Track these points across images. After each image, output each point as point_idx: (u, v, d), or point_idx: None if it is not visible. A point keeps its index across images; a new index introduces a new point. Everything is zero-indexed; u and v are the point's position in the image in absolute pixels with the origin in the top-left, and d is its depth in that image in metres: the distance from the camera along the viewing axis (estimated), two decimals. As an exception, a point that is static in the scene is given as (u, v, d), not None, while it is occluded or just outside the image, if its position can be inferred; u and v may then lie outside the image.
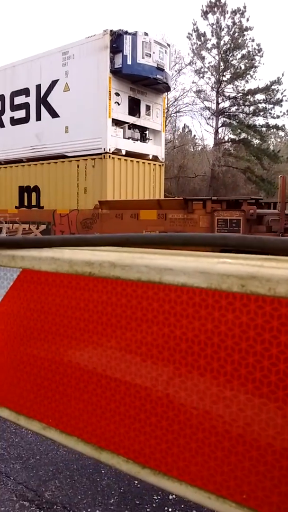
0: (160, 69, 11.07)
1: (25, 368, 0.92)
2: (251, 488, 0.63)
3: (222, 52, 32.07)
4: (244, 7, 31.57)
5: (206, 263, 0.67)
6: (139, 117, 11.51)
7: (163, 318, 0.71)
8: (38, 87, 11.99)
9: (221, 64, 32.27)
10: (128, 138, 11.32)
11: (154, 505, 2.46)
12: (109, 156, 10.67)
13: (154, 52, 10.83)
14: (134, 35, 10.55)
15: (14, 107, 12.72)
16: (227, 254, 0.71)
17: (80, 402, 0.81)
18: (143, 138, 11.99)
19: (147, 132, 12.07)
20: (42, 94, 11.93)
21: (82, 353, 0.82)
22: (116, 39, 10.50)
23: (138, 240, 0.80)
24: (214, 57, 32.56)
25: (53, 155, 11.78)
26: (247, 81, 31.70)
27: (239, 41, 31.40)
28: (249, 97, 31.69)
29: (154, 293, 0.72)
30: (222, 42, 32.16)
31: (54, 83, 11.54)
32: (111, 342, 0.77)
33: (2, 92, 12.98)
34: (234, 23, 31.78)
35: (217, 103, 32.96)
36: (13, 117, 12.75)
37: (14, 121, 12.75)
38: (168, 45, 11.72)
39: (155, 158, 12.25)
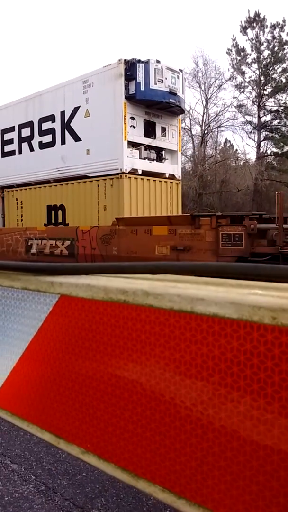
0: (172, 93, 11.90)
1: (64, 392, 0.95)
2: (287, 524, 0.62)
3: (262, 66, 31.94)
4: (284, 21, 31.44)
5: (236, 293, 0.67)
6: (154, 138, 12.41)
7: (195, 348, 0.71)
8: (63, 113, 12.89)
9: (262, 78, 32.12)
10: (144, 159, 12.15)
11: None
12: (125, 175, 11.53)
13: (166, 78, 11.71)
14: (147, 63, 11.45)
15: (42, 132, 13.70)
16: (258, 284, 0.71)
17: (117, 428, 0.83)
18: (160, 158, 12.77)
19: (163, 152, 12.86)
20: (66, 119, 12.83)
21: (117, 380, 0.83)
22: (130, 67, 11.43)
23: (169, 268, 0.81)
24: (254, 71, 32.49)
25: (76, 175, 12.69)
26: (288, 94, 31.36)
27: (279, 55, 31.19)
28: (291, 109, 31.29)
29: (186, 322, 0.72)
30: (262, 57, 32.06)
31: (76, 109, 12.55)
32: (146, 370, 0.78)
33: (31, 118, 13.97)
34: (273, 37, 31.67)
35: (259, 117, 32.74)
36: (41, 141, 13.72)
37: (42, 145, 13.74)
38: (181, 70, 12.46)
39: (172, 177, 12.93)
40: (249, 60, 32.41)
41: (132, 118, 11.73)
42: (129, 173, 11.62)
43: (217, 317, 0.69)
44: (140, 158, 12.01)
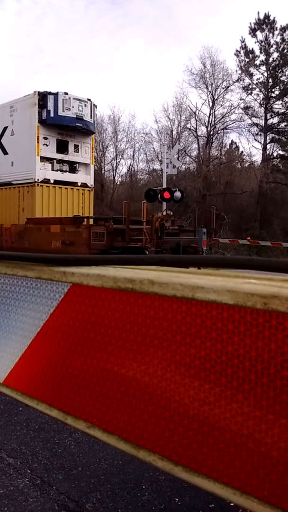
0: (79, 118, 15.15)
1: (73, 372, 1.03)
2: (272, 486, 0.70)
3: (270, 68, 31.95)
4: (294, 23, 31.38)
5: (233, 282, 0.76)
6: (67, 154, 15.69)
7: (195, 330, 0.80)
8: (-4, 131, 16.30)
9: (270, 80, 32.12)
10: (57, 170, 15.42)
11: (193, 523, 2.47)
12: (38, 184, 14.84)
13: (73, 106, 14.94)
14: (56, 94, 14.55)
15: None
16: (252, 275, 0.80)
17: (121, 404, 0.91)
18: (73, 170, 16.07)
19: (76, 165, 16.17)
20: (-1, 137, 16.15)
21: (123, 360, 0.92)
22: (43, 98, 14.49)
23: (172, 260, 0.89)
24: (262, 73, 32.49)
25: (3, 182, 15.96)
26: (296, 97, 31.36)
27: (288, 57, 31.18)
28: (298, 112, 31.30)
29: (187, 308, 0.81)
30: (271, 59, 32.06)
31: (5, 128, 15.84)
32: (149, 350, 0.87)
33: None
34: (283, 40, 31.64)
35: (266, 119, 32.74)
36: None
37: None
38: (89, 99, 15.60)
39: (85, 185, 16.27)
40: (257, 62, 32.42)
41: (45, 138, 15.00)
42: (42, 182, 14.90)
43: (215, 303, 0.77)
44: (53, 170, 15.29)
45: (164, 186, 17.92)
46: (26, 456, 3.22)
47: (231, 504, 2.73)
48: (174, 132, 34.95)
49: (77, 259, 1.08)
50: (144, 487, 2.84)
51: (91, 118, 15.79)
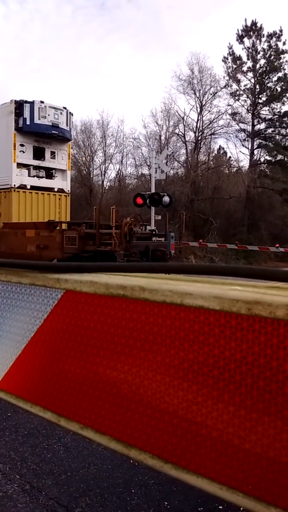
0: (55, 126, 15.51)
1: (66, 375, 1.07)
2: (256, 480, 0.75)
3: (258, 75, 32.31)
4: (281, 30, 31.82)
5: (219, 289, 0.81)
6: (44, 160, 16.07)
7: (183, 334, 0.84)
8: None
9: (257, 86, 32.48)
10: (34, 176, 15.79)
11: (182, 529, 2.49)
12: (14, 190, 15.18)
13: (49, 115, 15.30)
14: (32, 103, 15.02)
15: None
16: (238, 282, 0.85)
17: (113, 405, 0.95)
18: (50, 176, 16.40)
19: (53, 171, 16.52)
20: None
21: (115, 363, 0.96)
22: (19, 106, 14.93)
23: (161, 268, 0.94)
24: (250, 80, 32.84)
25: None
26: (283, 103, 31.76)
27: (275, 64, 31.58)
28: (285, 119, 31.67)
29: (176, 313, 0.85)
30: (258, 65, 32.42)
31: None
32: (140, 354, 0.91)
33: None
34: (270, 47, 32.04)
35: (253, 125, 33.07)
36: None
37: None
38: (65, 108, 16.01)
39: (61, 191, 16.61)
40: (244, 68, 32.77)
41: (22, 145, 15.47)
42: (19, 188, 15.28)
43: (202, 309, 0.82)
44: (30, 176, 15.69)
45: (153, 191, 18.03)
46: (15, 461, 3.22)
47: (220, 507, 2.76)
48: (162, 137, 35.10)
49: (70, 266, 1.12)
50: (133, 491, 2.85)
51: (67, 125, 16.37)
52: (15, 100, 15.18)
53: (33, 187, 15.79)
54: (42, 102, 15.41)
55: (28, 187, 15.68)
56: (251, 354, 0.75)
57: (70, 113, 16.52)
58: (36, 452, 3.35)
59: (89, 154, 35.97)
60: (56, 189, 16.58)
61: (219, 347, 0.79)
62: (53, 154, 16.48)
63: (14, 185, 15.24)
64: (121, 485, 2.92)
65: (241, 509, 2.56)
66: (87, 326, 1.03)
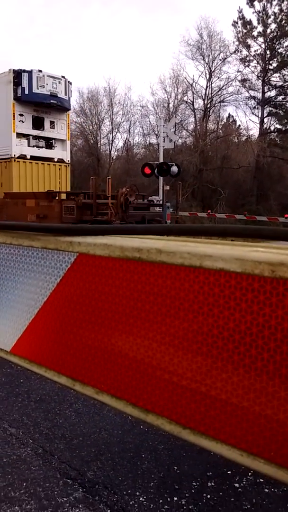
0: (53, 95, 15.60)
1: (81, 339, 1.05)
2: (278, 447, 0.73)
3: (268, 40, 31.34)
4: (293, -8, 30.63)
5: (241, 251, 0.77)
6: (43, 130, 16.09)
7: (202, 298, 0.81)
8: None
9: (268, 52, 31.56)
10: (33, 146, 15.91)
11: (192, 491, 2.55)
12: (14, 160, 15.45)
13: (47, 84, 15.36)
14: (30, 72, 15.04)
15: None
16: (259, 244, 0.81)
17: (129, 370, 0.93)
18: (50, 146, 16.48)
19: (53, 141, 16.59)
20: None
21: (131, 327, 0.93)
22: (17, 76, 14.97)
23: (180, 230, 0.90)
24: (260, 45, 31.89)
25: None
26: (294, 70, 30.89)
27: (286, 28, 30.56)
28: (296, 86, 30.87)
29: (195, 276, 0.82)
30: (268, 30, 31.41)
31: None
32: (157, 318, 0.88)
33: None
34: (281, 10, 30.94)
35: (263, 92, 32.31)
36: None
37: None
38: (63, 76, 16.04)
39: (61, 161, 16.81)
40: (255, 33, 31.78)
41: (21, 115, 15.46)
42: (18, 157, 15.48)
43: (223, 271, 0.78)
44: (29, 146, 15.78)
45: (161, 160, 17.81)
46: (28, 426, 3.30)
47: (228, 472, 2.81)
48: (170, 105, 34.46)
49: (84, 228, 1.09)
50: (143, 456, 2.91)
51: (65, 95, 16.26)
52: (13, 69, 15.15)
53: (33, 157, 15.87)
54: (40, 71, 15.36)
55: (28, 157, 15.78)
56: (274, 318, 0.72)
57: (68, 82, 16.42)
58: (48, 418, 3.43)
59: (96, 122, 35.52)
60: (56, 159, 16.64)
61: (240, 311, 0.76)
62: (52, 124, 16.47)
63: (14, 155, 15.38)
64: (132, 450, 2.98)
65: (250, 473, 2.58)
66: (101, 290, 1.00)
